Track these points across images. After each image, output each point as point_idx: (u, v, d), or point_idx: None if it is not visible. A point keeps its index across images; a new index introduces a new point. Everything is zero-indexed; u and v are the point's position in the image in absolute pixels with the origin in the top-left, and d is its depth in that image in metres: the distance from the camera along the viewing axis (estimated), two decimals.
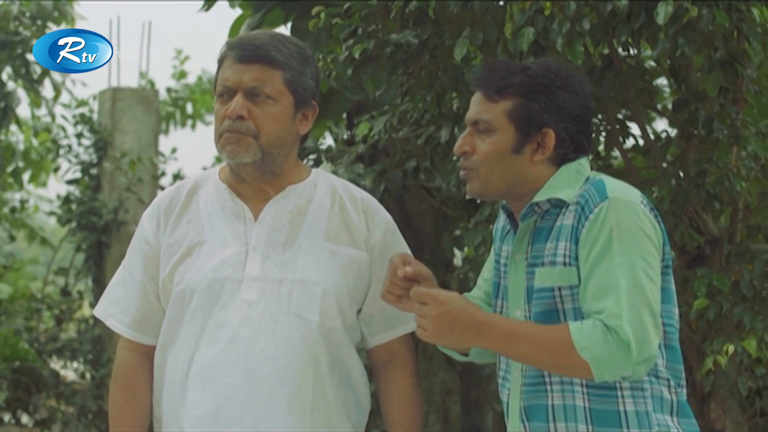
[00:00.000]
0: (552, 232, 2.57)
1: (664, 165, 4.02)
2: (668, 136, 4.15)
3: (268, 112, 2.80)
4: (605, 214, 2.47)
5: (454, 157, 4.49)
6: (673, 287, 2.60)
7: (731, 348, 3.69)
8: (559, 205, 2.58)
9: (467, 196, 2.74)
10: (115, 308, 2.98)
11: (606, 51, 3.93)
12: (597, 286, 2.44)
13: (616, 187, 2.55)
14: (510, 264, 2.67)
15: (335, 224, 2.88)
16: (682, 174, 3.93)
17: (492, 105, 2.61)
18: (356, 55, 4.13)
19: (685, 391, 2.60)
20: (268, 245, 2.83)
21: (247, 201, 2.89)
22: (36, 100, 9.75)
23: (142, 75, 10.36)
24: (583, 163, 2.64)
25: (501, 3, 3.89)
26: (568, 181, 2.59)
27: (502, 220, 2.78)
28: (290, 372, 2.77)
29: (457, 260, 6.81)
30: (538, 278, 2.57)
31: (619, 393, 2.50)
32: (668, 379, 2.54)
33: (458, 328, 2.47)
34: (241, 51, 2.81)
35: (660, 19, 3.37)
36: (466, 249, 5.61)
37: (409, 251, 2.92)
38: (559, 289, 2.53)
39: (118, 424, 2.93)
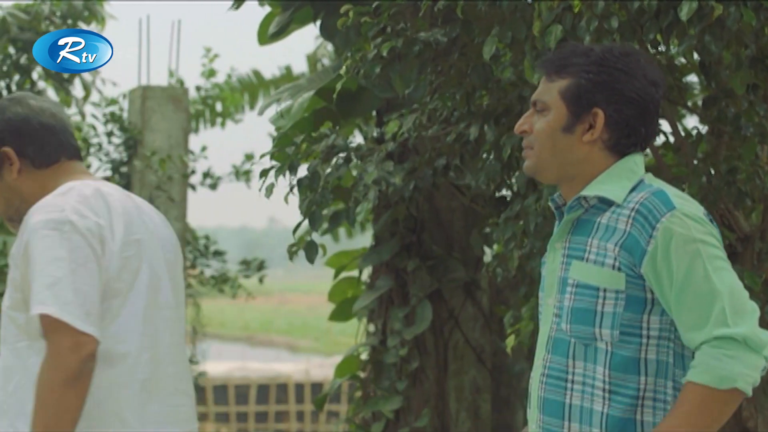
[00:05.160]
0: (596, 228, 2.56)
1: (695, 162, 4.00)
2: (699, 133, 4.13)
3: None
4: (680, 228, 2.46)
5: (484, 155, 4.50)
6: None
7: None
8: (606, 202, 2.57)
9: (526, 173, 2.73)
10: None
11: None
12: (695, 296, 2.44)
13: (680, 200, 2.54)
14: (549, 252, 2.69)
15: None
16: (713, 171, 3.91)
17: (550, 85, 2.64)
18: (384, 54, 4.13)
19: None
20: None
21: None
22: (66, 99, 9.79)
23: (172, 73, 10.38)
24: (638, 162, 2.63)
25: (529, 1, 3.89)
26: (619, 178, 2.58)
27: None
28: None
29: (487, 257, 6.80)
30: (576, 271, 2.56)
31: (639, 402, 2.49)
32: None
33: None
34: None
35: (683, 15, 3.35)
36: (495, 246, 5.60)
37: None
38: (605, 290, 2.51)
39: None
